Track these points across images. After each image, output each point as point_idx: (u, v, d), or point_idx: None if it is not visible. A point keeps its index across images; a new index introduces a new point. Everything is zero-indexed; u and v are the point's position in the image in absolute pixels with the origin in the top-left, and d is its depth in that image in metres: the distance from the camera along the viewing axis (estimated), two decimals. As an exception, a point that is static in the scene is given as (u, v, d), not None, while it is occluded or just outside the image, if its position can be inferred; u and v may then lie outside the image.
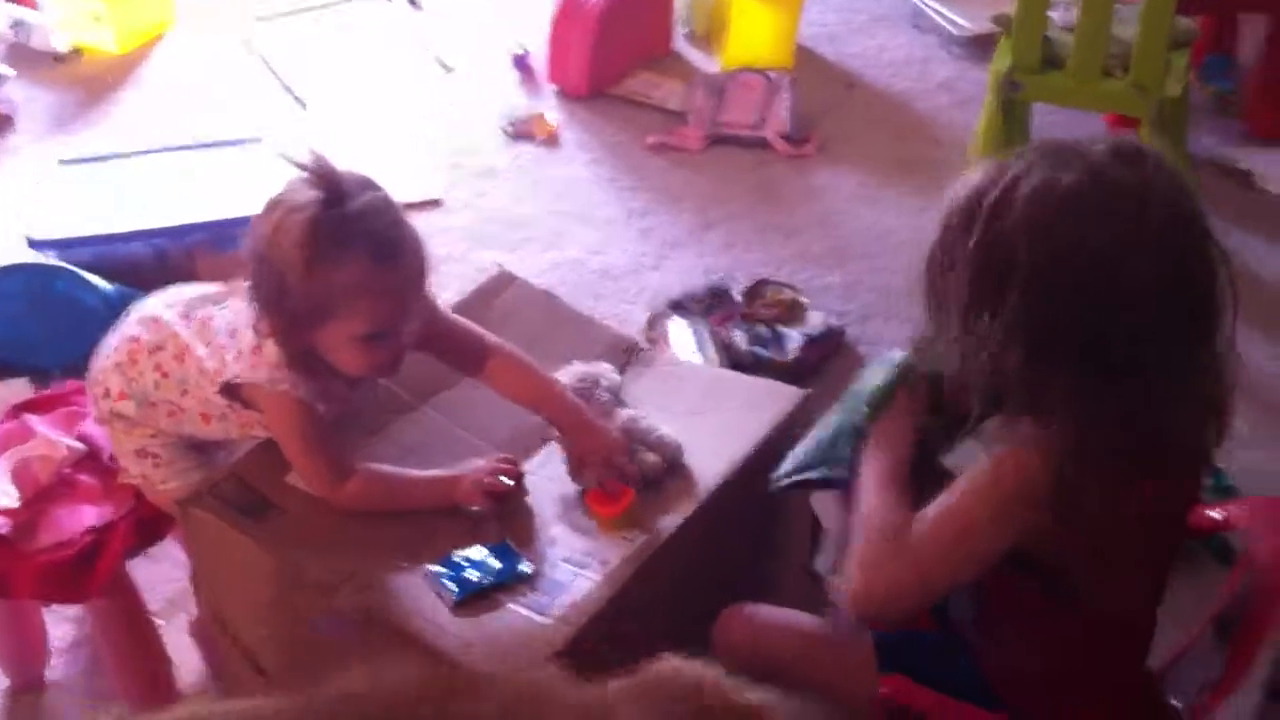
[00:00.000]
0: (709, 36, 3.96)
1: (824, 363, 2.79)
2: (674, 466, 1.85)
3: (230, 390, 1.83)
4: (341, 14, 4.14)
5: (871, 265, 3.13)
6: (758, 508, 1.92)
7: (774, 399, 1.98)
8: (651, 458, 1.84)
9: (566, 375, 1.94)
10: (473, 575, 1.71)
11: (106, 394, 1.95)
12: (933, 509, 1.43)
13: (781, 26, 3.76)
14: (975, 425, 1.46)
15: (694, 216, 3.28)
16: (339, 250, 1.68)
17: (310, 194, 1.68)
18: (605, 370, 1.96)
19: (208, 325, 1.86)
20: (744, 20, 3.71)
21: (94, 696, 2.17)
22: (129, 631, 2.05)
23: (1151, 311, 1.35)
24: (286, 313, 1.72)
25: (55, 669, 2.20)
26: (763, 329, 2.81)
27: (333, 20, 4.10)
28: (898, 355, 1.71)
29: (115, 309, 2.74)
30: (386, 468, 1.85)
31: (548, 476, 1.86)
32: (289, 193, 1.71)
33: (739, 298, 2.92)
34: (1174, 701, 1.62)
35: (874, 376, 1.70)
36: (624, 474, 1.80)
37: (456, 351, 1.92)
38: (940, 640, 1.64)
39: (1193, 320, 1.38)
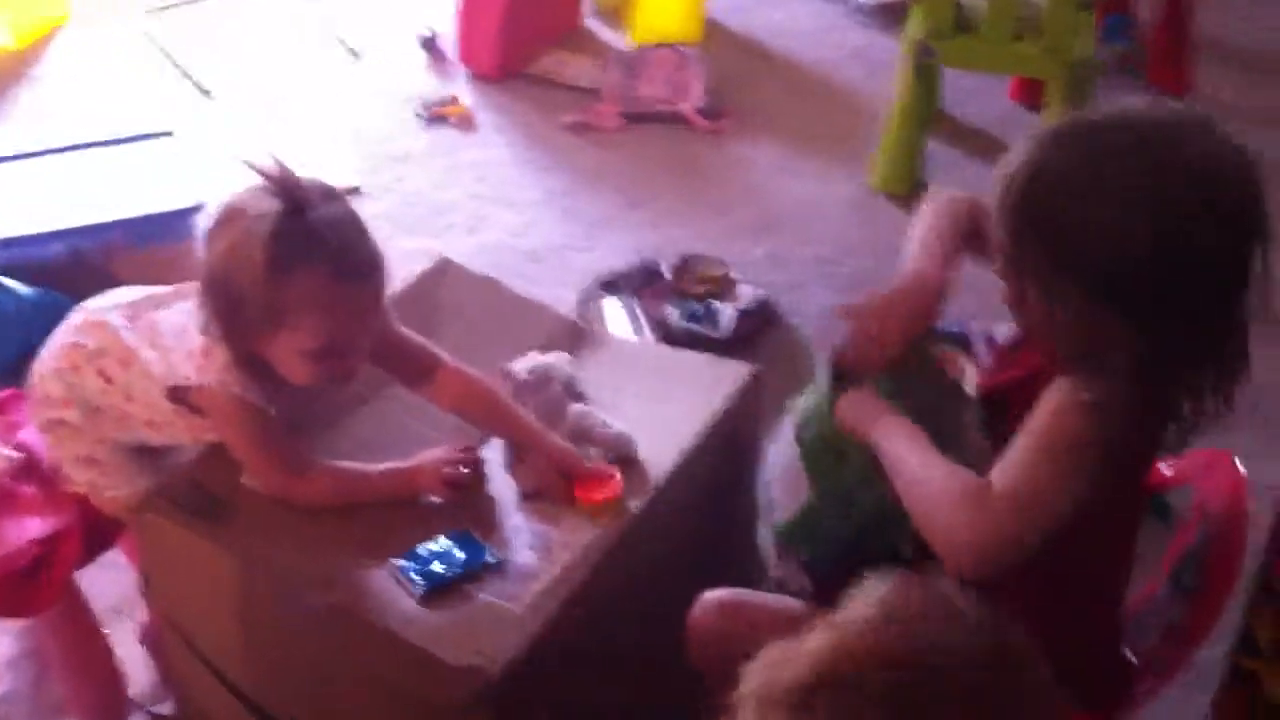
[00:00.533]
0: (617, 11, 3.95)
1: (758, 335, 2.81)
2: (626, 460, 1.84)
3: (177, 394, 1.79)
4: (239, 2, 4.05)
5: (796, 235, 3.15)
6: (717, 486, 1.93)
7: (724, 377, 1.98)
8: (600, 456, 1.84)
9: (520, 366, 1.92)
10: (438, 567, 1.70)
11: (48, 401, 1.89)
12: (1009, 469, 1.41)
13: (689, 0, 3.76)
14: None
15: (617, 194, 3.28)
16: (298, 262, 1.63)
17: (270, 203, 1.64)
18: (557, 361, 1.95)
19: (154, 328, 1.82)
20: (652, -7, 3.71)
21: (43, 710, 2.13)
22: (79, 642, 2.02)
23: (1215, 278, 1.38)
24: (238, 320, 1.68)
25: (1, 684, 2.15)
26: (695, 305, 2.82)
27: (230, 9, 4.02)
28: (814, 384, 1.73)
29: (34, 313, 2.69)
30: (344, 464, 1.82)
31: (505, 464, 1.86)
32: (247, 200, 1.66)
33: (669, 274, 2.93)
34: (1135, 648, 1.66)
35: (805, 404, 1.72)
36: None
37: (405, 366, 1.88)
38: None
39: (1237, 290, 1.41)
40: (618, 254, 3.05)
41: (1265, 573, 1.33)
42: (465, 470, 1.79)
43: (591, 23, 3.95)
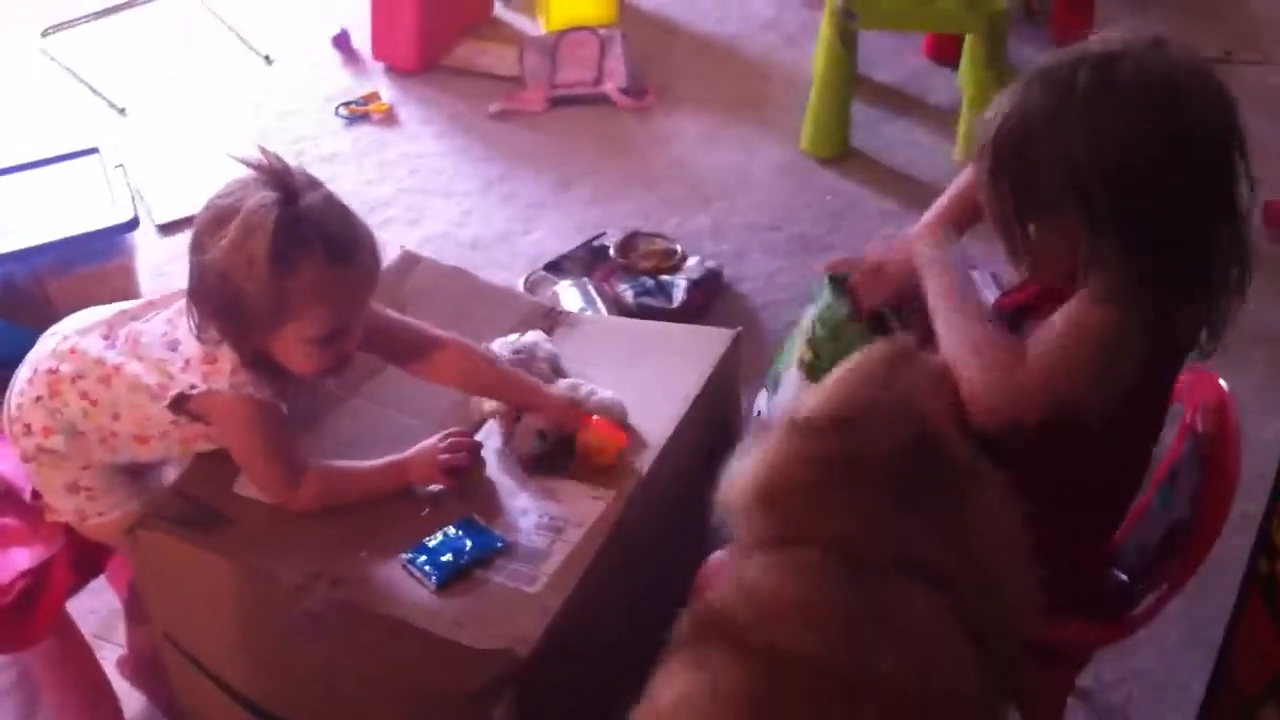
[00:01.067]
0: (527, 0, 3.94)
1: (709, 304, 2.84)
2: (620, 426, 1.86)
3: (180, 404, 1.76)
4: (140, 16, 3.96)
5: (732, 204, 3.19)
6: (707, 448, 1.95)
7: (706, 344, 2.01)
8: None
9: (501, 348, 1.93)
10: (449, 556, 1.70)
11: (28, 431, 1.85)
12: (1037, 349, 1.48)
13: (603, -18, 3.77)
14: None
15: (552, 176, 3.28)
16: (302, 252, 1.62)
17: (264, 194, 1.62)
18: (539, 339, 1.96)
19: (138, 342, 1.79)
20: (565, -21, 3.71)
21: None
22: (73, 671, 1.98)
23: (1181, 187, 1.44)
24: (242, 319, 1.66)
25: (-13, 722, 2.11)
26: (647, 280, 2.83)
27: (130, 25, 3.93)
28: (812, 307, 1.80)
29: (-24, 342, 2.62)
30: (337, 463, 1.81)
31: (500, 449, 1.86)
32: (237, 196, 1.64)
33: (615, 253, 2.94)
34: (1134, 562, 1.72)
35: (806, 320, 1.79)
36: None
37: (401, 347, 1.88)
38: None
39: (1227, 208, 1.47)
40: (559, 235, 3.06)
41: (1280, 479, 1.38)
42: (462, 455, 1.79)
43: (502, 12, 3.94)
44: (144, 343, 1.78)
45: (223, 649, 1.82)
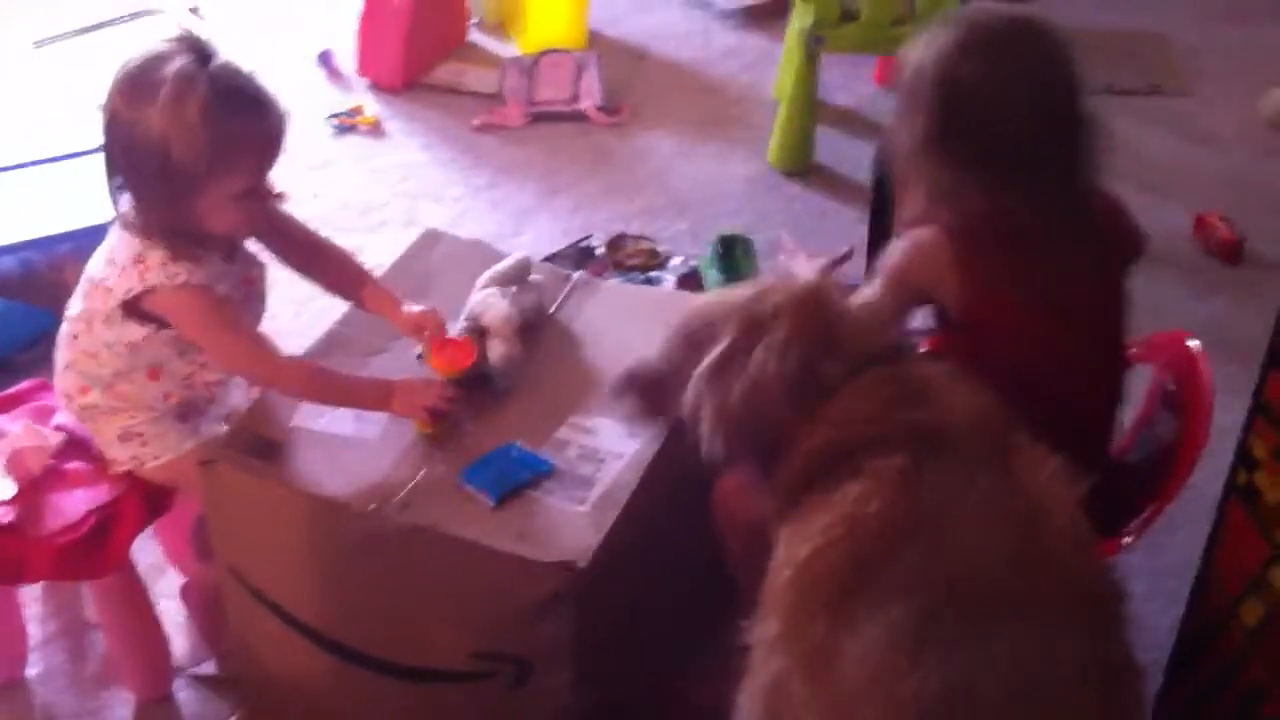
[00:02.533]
0: (499, 24, 4.15)
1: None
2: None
3: (132, 310, 1.88)
4: (126, 32, 4.09)
5: (707, 211, 3.40)
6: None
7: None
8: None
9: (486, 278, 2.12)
10: (503, 476, 1.86)
11: (70, 396, 2.00)
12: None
13: (574, 10, 3.99)
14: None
15: (538, 185, 3.47)
16: (229, 106, 1.77)
17: (185, 58, 1.76)
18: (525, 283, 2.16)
19: (90, 279, 1.94)
20: (541, 6, 3.92)
21: (83, 683, 2.20)
22: (132, 608, 2.10)
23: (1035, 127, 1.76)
24: (169, 186, 1.78)
25: (33, 664, 2.22)
26: (637, 275, 3.03)
27: (117, 39, 4.06)
28: None
29: (2, 322, 2.74)
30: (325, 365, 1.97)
31: (538, 382, 2.03)
32: (153, 64, 1.77)
33: (603, 251, 3.13)
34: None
35: None
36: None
37: (296, 242, 2.05)
38: None
39: (1067, 141, 1.78)
40: (548, 238, 3.25)
41: (1259, 393, 1.58)
42: (449, 404, 1.92)
43: (476, 36, 4.14)
44: (92, 276, 1.93)
45: (287, 578, 1.96)
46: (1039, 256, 1.79)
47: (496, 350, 2.00)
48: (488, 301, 2.04)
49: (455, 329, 2.03)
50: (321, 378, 1.95)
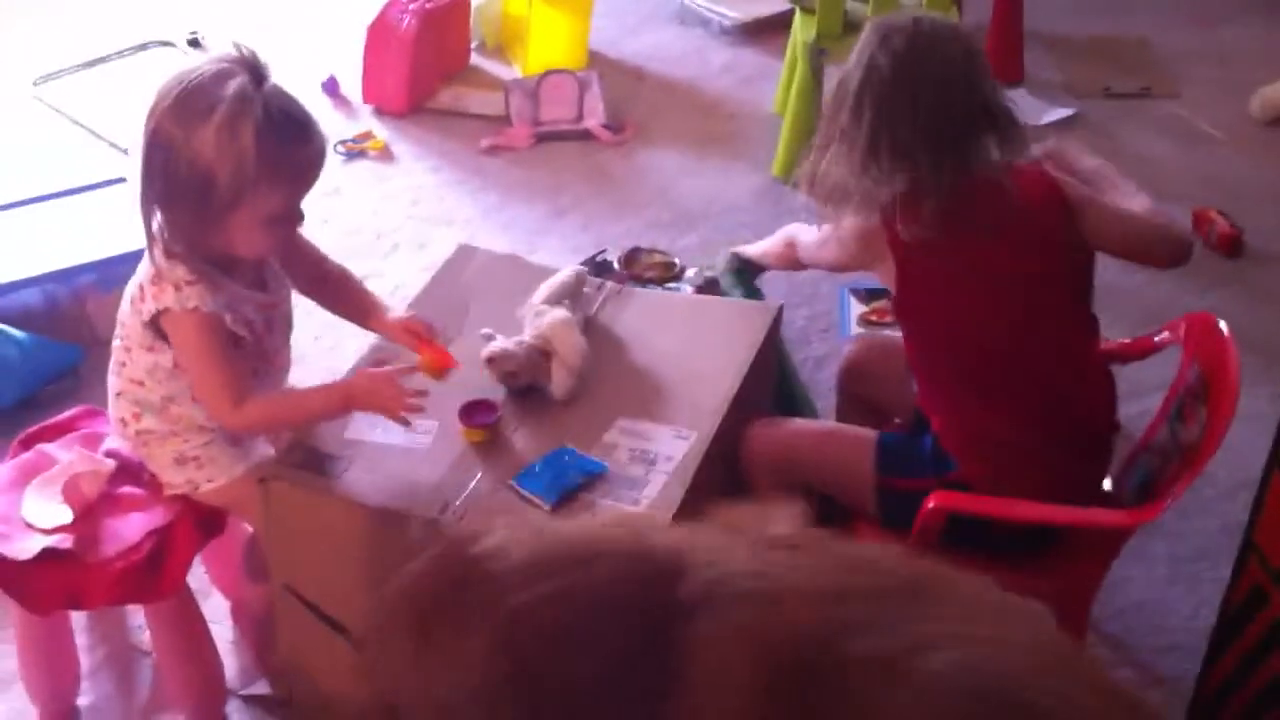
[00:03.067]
0: (500, 48, 4.20)
1: (711, 309, 3.08)
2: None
3: (158, 331, 1.91)
4: (127, 65, 4.13)
5: (715, 224, 3.45)
6: (756, 396, 2.22)
7: (754, 316, 2.26)
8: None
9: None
10: (558, 479, 1.89)
11: (124, 422, 2.03)
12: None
13: (575, 32, 4.04)
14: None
15: (547, 204, 3.52)
16: (276, 128, 1.79)
17: (241, 79, 1.77)
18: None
19: (126, 309, 1.97)
20: (543, 28, 3.97)
21: (135, 712, 2.22)
22: (187, 632, 2.12)
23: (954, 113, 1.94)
24: (207, 205, 1.80)
25: (83, 693, 2.23)
26: (655, 287, 3.06)
27: (119, 73, 4.09)
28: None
29: (32, 357, 2.76)
30: (272, 392, 2.00)
31: (584, 387, 2.07)
32: (208, 81, 1.78)
33: (619, 265, 3.17)
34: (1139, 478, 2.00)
35: None
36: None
37: (308, 264, 2.08)
38: (927, 442, 2.03)
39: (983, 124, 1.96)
40: (560, 256, 3.27)
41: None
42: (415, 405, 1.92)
43: (478, 60, 4.19)
44: (126, 304, 1.96)
45: (346, 592, 1.98)
46: (960, 232, 1.96)
47: (562, 379, 2.05)
48: (557, 327, 2.07)
49: (516, 342, 2.05)
50: (276, 404, 1.98)
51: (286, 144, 1.81)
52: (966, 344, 2.00)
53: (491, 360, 2.03)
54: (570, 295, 2.19)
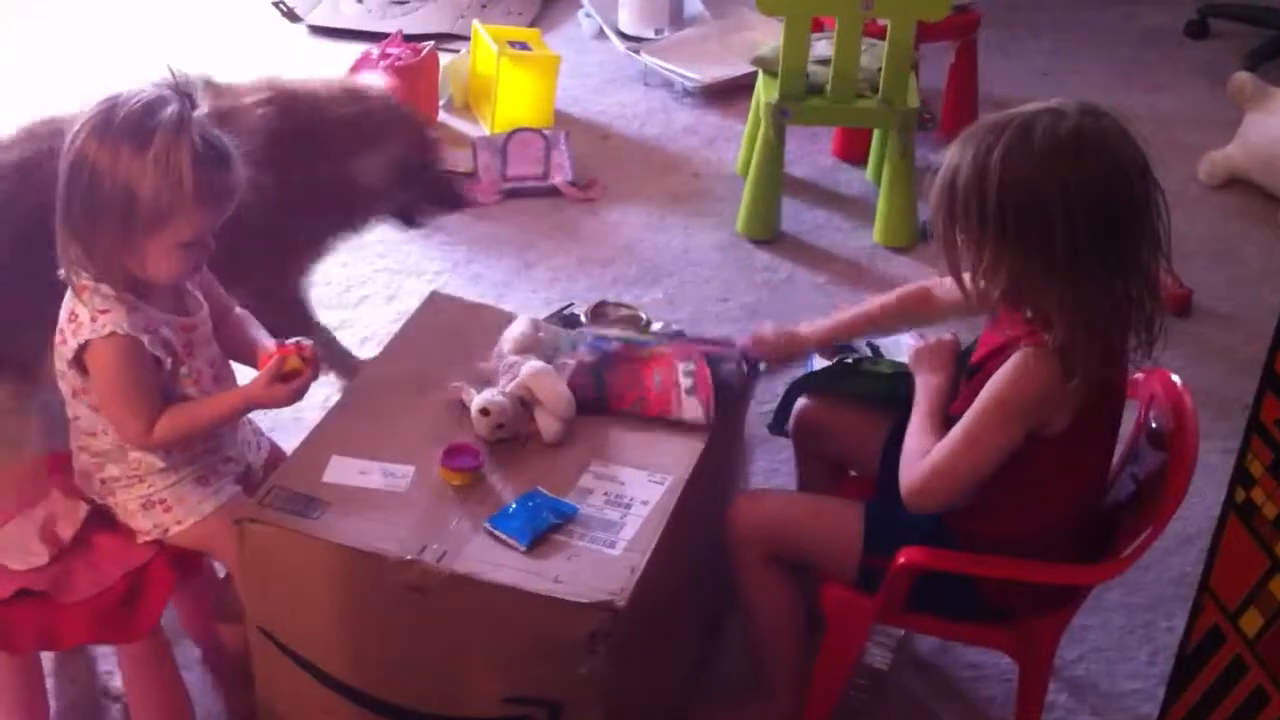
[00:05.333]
0: (467, 106, 4.27)
1: (679, 362, 3.14)
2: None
3: (80, 367, 1.94)
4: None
5: (680, 280, 3.52)
6: (724, 442, 2.28)
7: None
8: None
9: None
10: (530, 520, 1.92)
11: (89, 475, 2.06)
12: (939, 448, 1.90)
13: (542, 91, 4.12)
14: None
15: (514, 258, 3.57)
16: (205, 154, 1.85)
17: (176, 105, 1.83)
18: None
19: (58, 367, 2.00)
20: (510, 87, 4.04)
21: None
22: (160, 674, 2.13)
23: (1111, 223, 1.78)
24: (127, 228, 1.84)
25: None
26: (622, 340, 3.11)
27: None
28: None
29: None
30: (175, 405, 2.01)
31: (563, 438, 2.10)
32: (145, 106, 1.82)
33: (585, 319, 3.22)
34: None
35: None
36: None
37: (211, 300, 2.10)
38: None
39: (1146, 239, 1.82)
40: (528, 308, 3.25)
41: (1255, 411, 1.70)
42: (298, 362, 1.98)
43: (445, 117, 4.25)
44: (57, 364, 1.99)
45: (321, 633, 2.00)
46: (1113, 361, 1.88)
47: (549, 424, 2.09)
48: (538, 377, 2.11)
49: (499, 395, 2.09)
50: (182, 416, 1.98)
51: (215, 171, 1.88)
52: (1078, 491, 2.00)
53: (486, 412, 2.06)
54: (535, 346, 2.23)
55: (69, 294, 1.94)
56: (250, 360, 2.10)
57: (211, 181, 1.87)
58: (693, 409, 2.14)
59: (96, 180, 1.83)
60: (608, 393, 2.17)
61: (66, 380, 1.99)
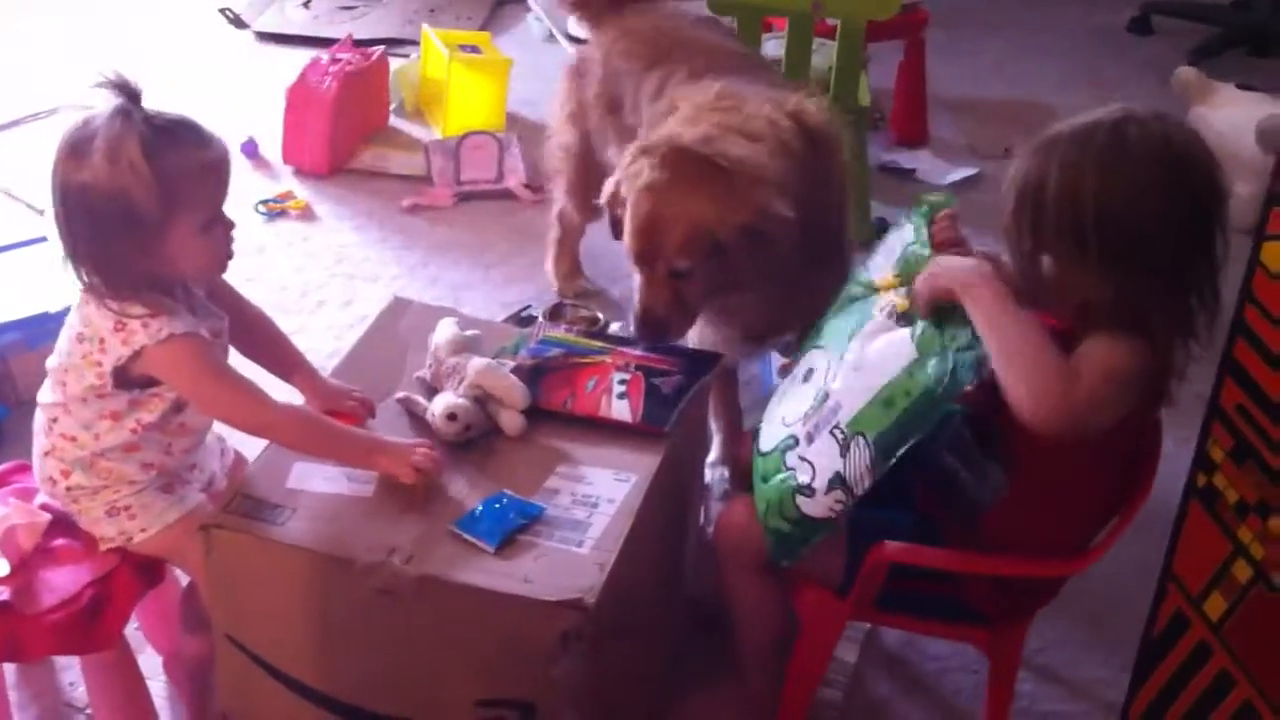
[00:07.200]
0: (419, 110, 4.25)
1: (638, 362, 3.14)
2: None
3: (123, 378, 1.92)
4: (40, 128, 4.10)
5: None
6: (688, 444, 2.29)
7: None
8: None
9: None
10: (497, 522, 1.91)
11: (53, 481, 2.03)
12: (1087, 378, 1.73)
13: (493, 94, 4.11)
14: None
15: (470, 262, 3.56)
16: (167, 139, 1.82)
17: (114, 105, 1.81)
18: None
19: (64, 366, 1.97)
20: (461, 91, 4.04)
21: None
22: (125, 684, 2.10)
23: (1183, 232, 1.75)
24: (136, 235, 1.82)
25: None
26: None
27: (35, 134, 4.07)
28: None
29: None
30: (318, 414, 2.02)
31: (529, 437, 2.10)
32: (84, 120, 1.81)
33: (544, 320, 3.22)
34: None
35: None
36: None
37: (231, 309, 2.09)
38: (904, 519, 2.03)
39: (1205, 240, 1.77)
40: (486, 311, 3.33)
41: (1215, 397, 1.72)
42: (434, 463, 1.97)
43: (396, 121, 4.24)
44: (63, 364, 1.97)
45: (289, 640, 1.98)
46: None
47: (512, 421, 2.09)
48: (485, 374, 2.10)
49: (458, 397, 2.08)
50: (315, 426, 1.99)
51: (180, 152, 1.84)
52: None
53: (453, 417, 2.05)
54: (468, 344, 2.22)
55: (94, 308, 1.89)
56: (282, 372, 2.12)
57: (186, 159, 1.83)
58: (620, 411, 2.13)
59: (86, 200, 1.80)
60: (540, 393, 2.16)
61: (71, 383, 1.94)
